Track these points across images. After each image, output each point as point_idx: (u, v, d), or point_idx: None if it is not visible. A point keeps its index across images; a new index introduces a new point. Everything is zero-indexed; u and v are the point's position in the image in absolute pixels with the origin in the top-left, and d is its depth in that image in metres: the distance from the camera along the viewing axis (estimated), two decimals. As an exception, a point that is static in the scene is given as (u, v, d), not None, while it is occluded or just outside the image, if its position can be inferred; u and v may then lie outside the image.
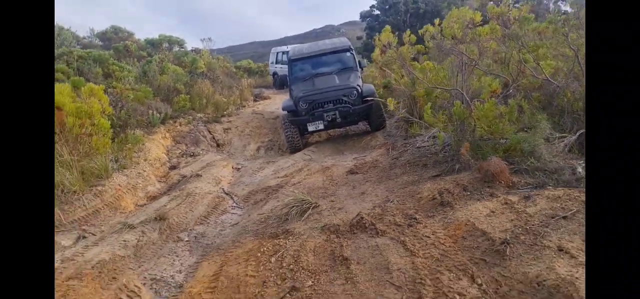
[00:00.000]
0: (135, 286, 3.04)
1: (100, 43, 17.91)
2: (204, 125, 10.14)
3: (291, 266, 2.89)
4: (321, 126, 7.86)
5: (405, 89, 7.45)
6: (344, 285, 2.53)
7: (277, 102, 13.85)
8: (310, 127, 7.88)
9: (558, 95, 4.31)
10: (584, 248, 2.36)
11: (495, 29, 4.63)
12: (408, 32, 6.58)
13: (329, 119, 7.75)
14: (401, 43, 6.51)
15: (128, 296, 2.88)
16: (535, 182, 3.37)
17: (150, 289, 3.10)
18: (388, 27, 6.62)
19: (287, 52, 17.44)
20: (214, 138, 9.67)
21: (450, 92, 5.83)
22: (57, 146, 5.42)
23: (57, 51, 9.82)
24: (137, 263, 3.44)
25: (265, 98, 15.44)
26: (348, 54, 8.69)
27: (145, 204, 5.69)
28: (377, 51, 6.56)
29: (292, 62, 9.07)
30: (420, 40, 6.70)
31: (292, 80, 8.83)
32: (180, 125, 9.78)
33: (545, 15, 9.38)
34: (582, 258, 2.27)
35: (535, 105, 4.56)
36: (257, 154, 8.78)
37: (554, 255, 2.34)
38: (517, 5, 8.46)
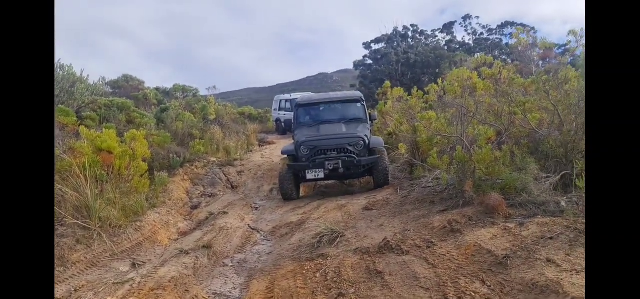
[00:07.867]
0: (203, 297, 3.67)
1: (111, 91, 18.82)
2: (219, 168, 10.85)
3: (334, 279, 3.56)
4: (321, 175, 7.46)
5: (408, 135, 8.30)
6: (381, 290, 3.21)
7: (282, 147, 14.72)
8: (309, 175, 7.47)
9: (543, 142, 5.15)
10: (567, 260, 3.09)
11: (489, 87, 5.53)
12: (415, 88, 7.53)
13: (331, 168, 7.35)
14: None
15: (201, 304, 3.52)
16: (527, 213, 4.13)
17: (215, 301, 3.73)
18: (388, 82, 7.57)
19: (291, 100, 18.45)
20: (229, 180, 10.36)
21: (451, 139, 6.67)
22: (106, 186, 6.09)
23: (84, 100, 10.59)
24: (197, 281, 4.08)
25: (270, 143, 16.32)
26: (358, 104, 8.57)
27: (177, 239, 6.30)
28: (390, 103, 7.42)
29: (299, 107, 8.92)
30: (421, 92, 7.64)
31: (296, 125, 8.59)
32: (196, 168, 10.47)
33: (532, 69, 10.45)
34: (566, 266, 3.00)
35: (525, 150, 5.39)
36: (270, 195, 9.45)
37: (544, 265, 3.06)
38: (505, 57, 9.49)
